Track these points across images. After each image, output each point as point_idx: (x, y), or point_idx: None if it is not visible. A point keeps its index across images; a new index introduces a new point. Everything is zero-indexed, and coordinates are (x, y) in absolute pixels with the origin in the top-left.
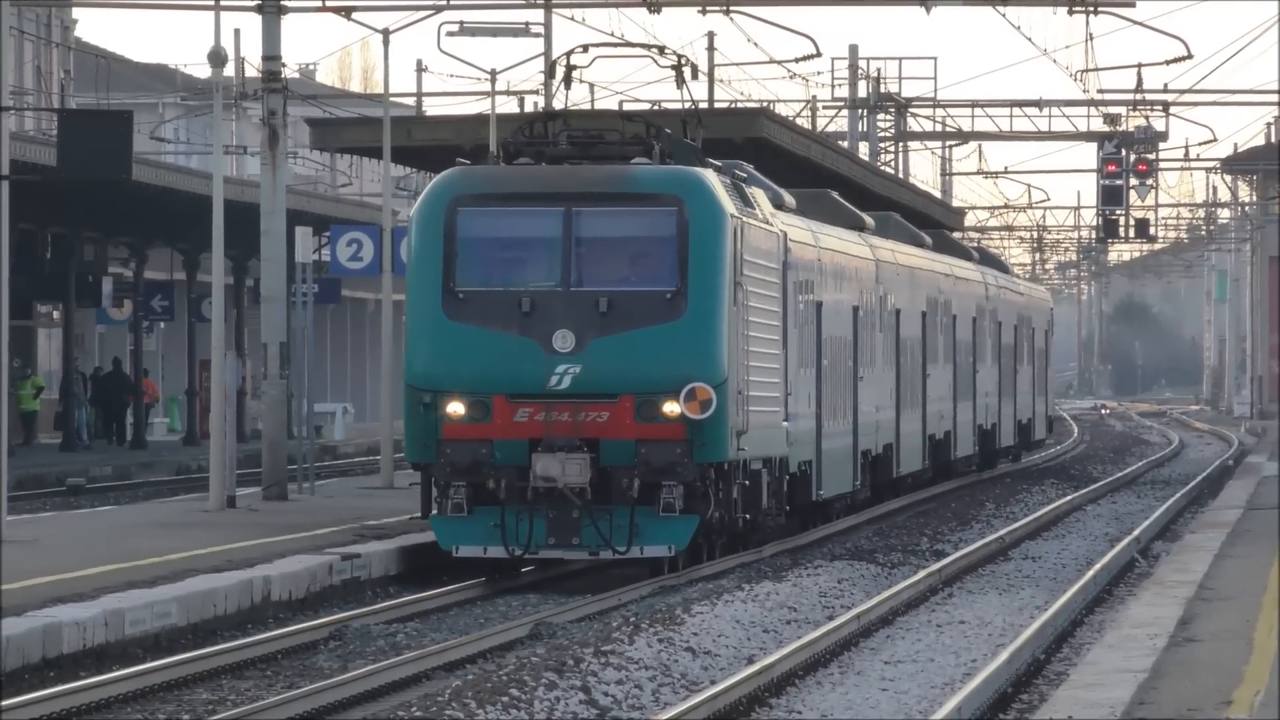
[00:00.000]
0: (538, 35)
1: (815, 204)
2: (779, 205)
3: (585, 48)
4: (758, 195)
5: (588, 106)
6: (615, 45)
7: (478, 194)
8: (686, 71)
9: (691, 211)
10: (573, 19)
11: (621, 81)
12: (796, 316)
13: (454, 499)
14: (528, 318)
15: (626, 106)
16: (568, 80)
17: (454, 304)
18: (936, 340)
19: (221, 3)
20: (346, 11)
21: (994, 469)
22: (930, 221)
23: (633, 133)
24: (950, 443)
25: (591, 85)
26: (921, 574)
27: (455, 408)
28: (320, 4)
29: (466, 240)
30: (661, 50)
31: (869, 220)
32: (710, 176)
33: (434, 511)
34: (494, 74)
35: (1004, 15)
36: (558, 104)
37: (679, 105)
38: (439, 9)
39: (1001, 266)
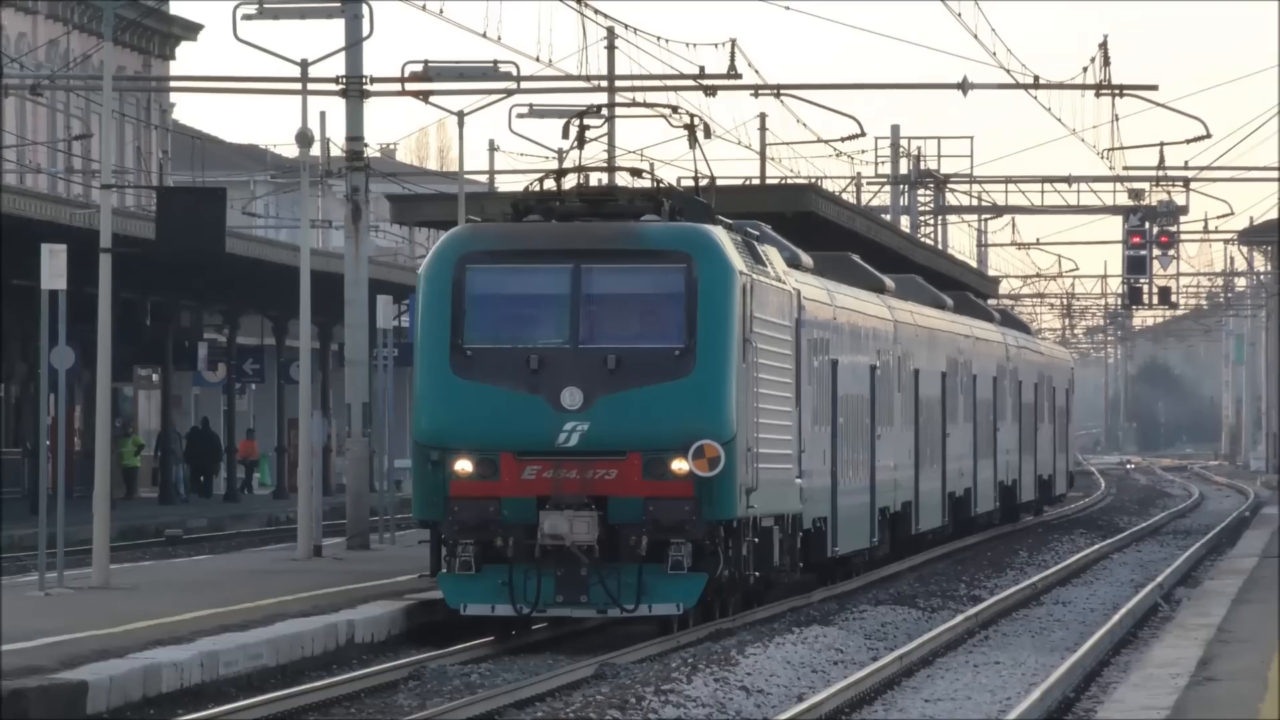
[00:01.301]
0: (602, 116)
1: (836, 266)
2: (795, 264)
3: (598, 108)
4: (770, 253)
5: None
6: (630, 106)
7: (486, 251)
8: (699, 132)
9: (700, 268)
10: (634, 101)
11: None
12: (811, 374)
13: (462, 557)
14: (536, 375)
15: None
16: (581, 140)
17: (462, 361)
18: (956, 399)
19: (308, 87)
20: (424, 95)
21: (1016, 522)
22: (967, 289)
23: (642, 190)
24: (970, 500)
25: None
26: (959, 618)
27: (463, 465)
28: (400, 88)
29: (475, 297)
30: (674, 110)
31: (889, 282)
32: (719, 234)
33: (442, 570)
34: (561, 153)
35: (1035, 98)
36: (570, 164)
37: (738, 179)
38: (509, 93)
39: (1023, 327)
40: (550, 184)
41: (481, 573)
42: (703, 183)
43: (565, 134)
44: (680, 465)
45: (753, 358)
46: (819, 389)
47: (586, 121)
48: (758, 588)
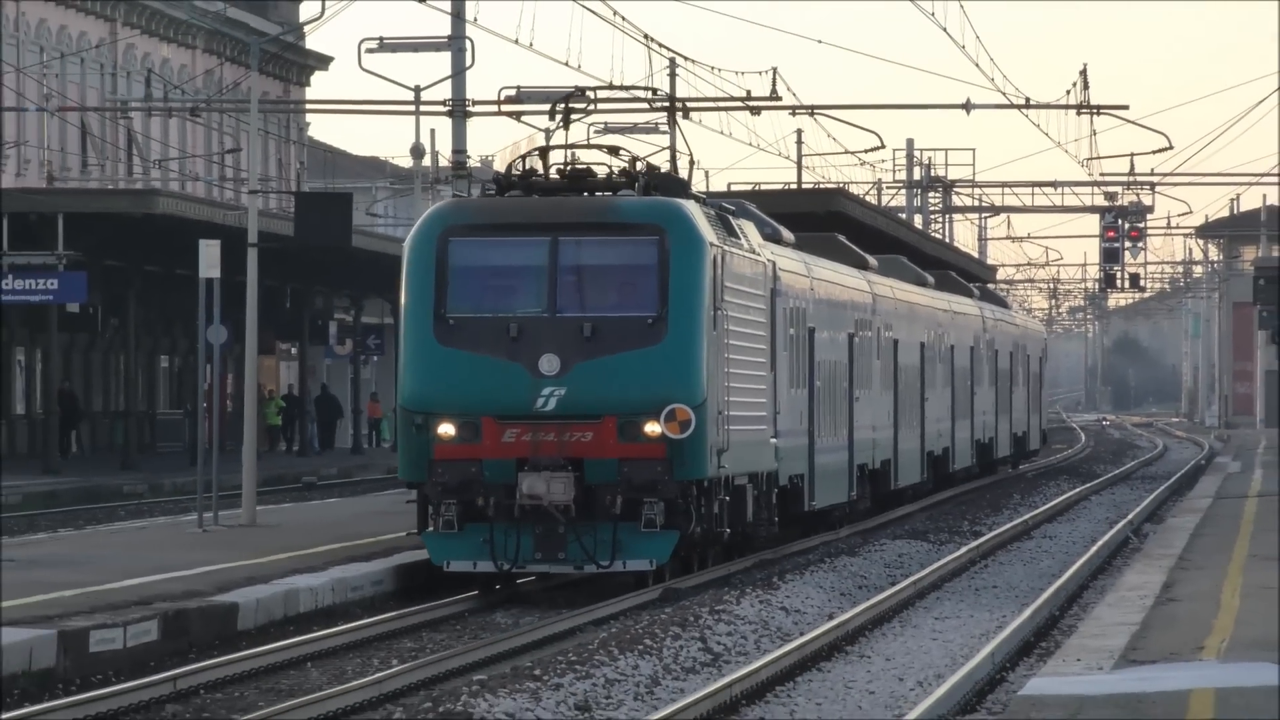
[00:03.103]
0: (664, 133)
1: (823, 245)
2: (776, 239)
3: (582, 90)
4: (746, 227)
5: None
6: (611, 88)
7: (468, 224)
8: (678, 114)
9: (672, 240)
10: (693, 121)
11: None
12: (786, 341)
13: (445, 516)
14: (515, 343)
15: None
16: (566, 121)
17: (445, 330)
18: (935, 366)
19: (421, 109)
20: (517, 115)
21: (994, 475)
22: (969, 275)
23: (620, 167)
24: (949, 457)
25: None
26: (963, 550)
27: (446, 429)
28: (496, 109)
29: (457, 269)
30: (655, 93)
31: (871, 260)
32: (691, 207)
33: (428, 528)
34: (548, 132)
35: (1027, 116)
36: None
37: (776, 185)
38: (587, 113)
39: (1000, 302)
40: (535, 162)
41: (464, 531)
42: (682, 160)
43: (551, 116)
44: (653, 428)
45: (724, 325)
46: (795, 355)
47: (571, 105)
48: (736, 541)
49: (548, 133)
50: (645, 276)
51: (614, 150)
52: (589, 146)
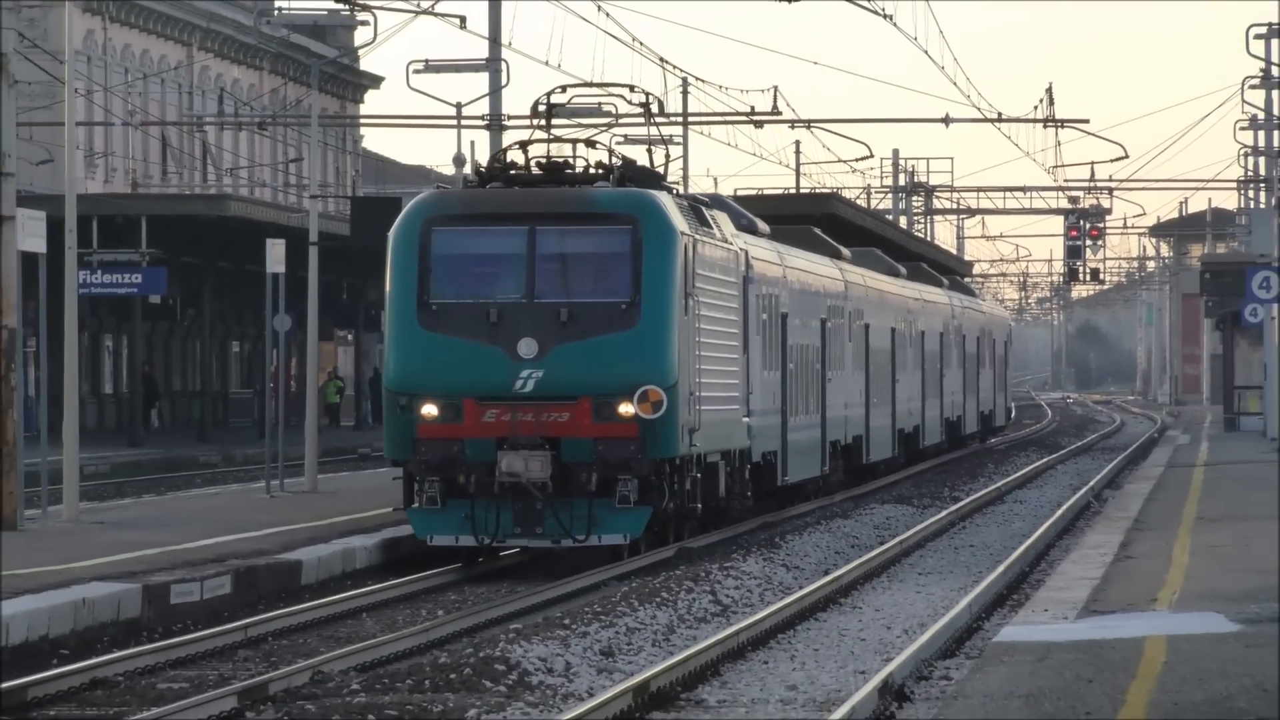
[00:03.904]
0: (678, 144)
1: (800, 237)
2: (751, 230)
3: (564, 88)
4: (719, 218)
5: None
6: (590, 85)
7: (450, 214)
8: (654, 106)
9: (645, 229)
10: (702, 133)
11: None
12: (759, 325)
13: (428, 493)
14: (495, 327)
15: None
16: (548, 116)
17: (428, 315)
18: (906, 349)
19: (462, 123)
20: (547, 128)
21: (963, 449)
22: (948, 270)
23: (596, 159)
24: (920, 434)
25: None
26: (944, 513)
27: (429, 409)
28: (530, 123)
29: (439, 257)
30: (631, 89)
31: (845, 251)
32: (663, 198)
33: (414, 504)
34: (533, 127)
35: (999, 128)
36: (539, 138)
37: (805, 188)
38: (610, 126)
39: (968, 291)
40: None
41: (446, 507)
42: (658, 153)
43: (534, 112)
44: (626, 408)
45: (695, 310)
46: (768, 338)
47: (553, 100)
48: (712, 514)
49: (532, 128)
50: (619, 264)
51: (591, 144)
52: (568, 141)
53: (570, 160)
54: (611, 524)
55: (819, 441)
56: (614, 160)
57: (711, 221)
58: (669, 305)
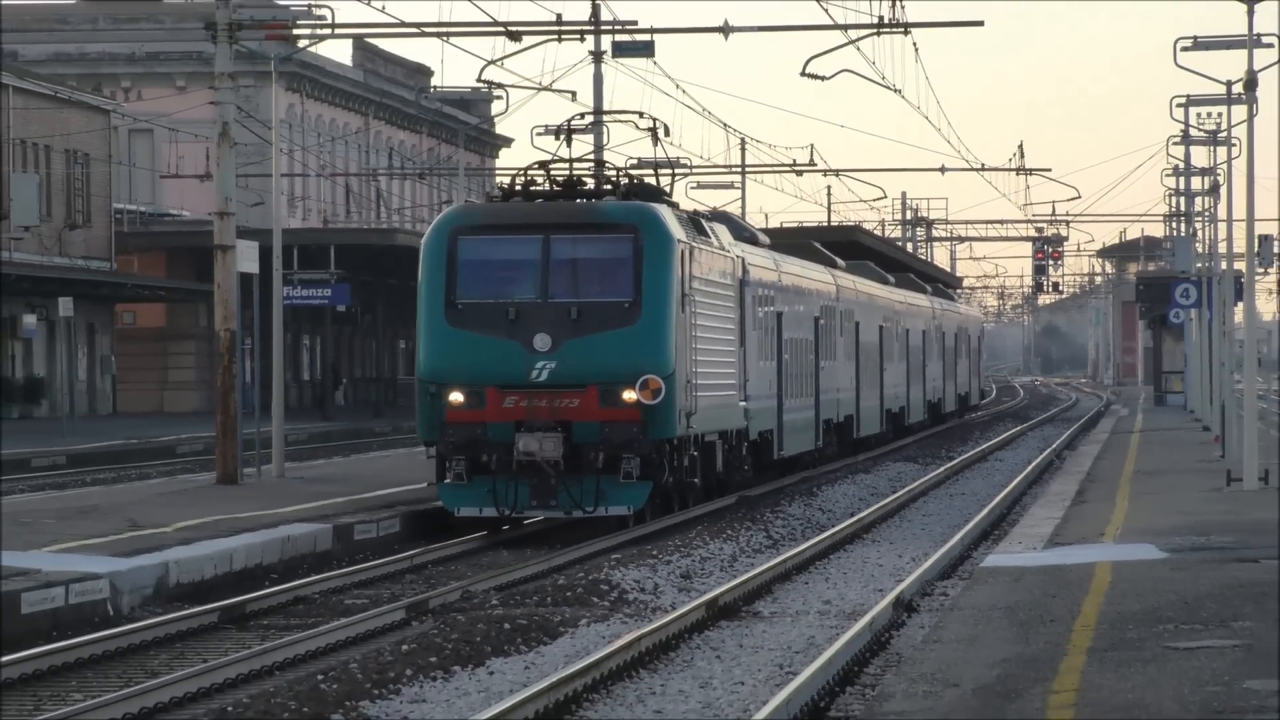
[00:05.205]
0: (737, 188)
1: (799, 249)
2: (753, 241)
3: (582, 115)
4: (718, 229)
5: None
6: (607, 113)
7: (474, 225)
8: (660, 132)
9: (645, 237)
10: (756, 180)
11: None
12: (755, 322)
13: (455, 470)
14: (513, 324)
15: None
16: (569, 139)
17: (454, 313)
18: (892, 343)
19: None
20: (636, 178)
21: (943, 425)
22: (943, 282)
23: (606, 177)
24: (905, 413)
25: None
26: (941, 469)
27: (456, 396)
28: (627, 174)
29: (465, 262)
30: (641, 115)
31: (840, 262)
32: (663, 210)
33: (445, 480)
34: (618, 173)
35: (983, 176)
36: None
37: (828, 221)
38: (685, 175)
39: (948, 296)
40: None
41: (471, 483)
42: (664, 172)
43: (556, 136)
44: (629, 395)
45: (692, 308)
46: (763, 333)
47: (572, 125)
48: (712, 485)
49: (555, 152)
50: (622, 267)
51: (601, 164)
52: (582, 160)
53: (582, 178)
54: (617, 497)
55: (813, 421)
56: (620, 177)
57: (710, 231)
58: (667, 303)
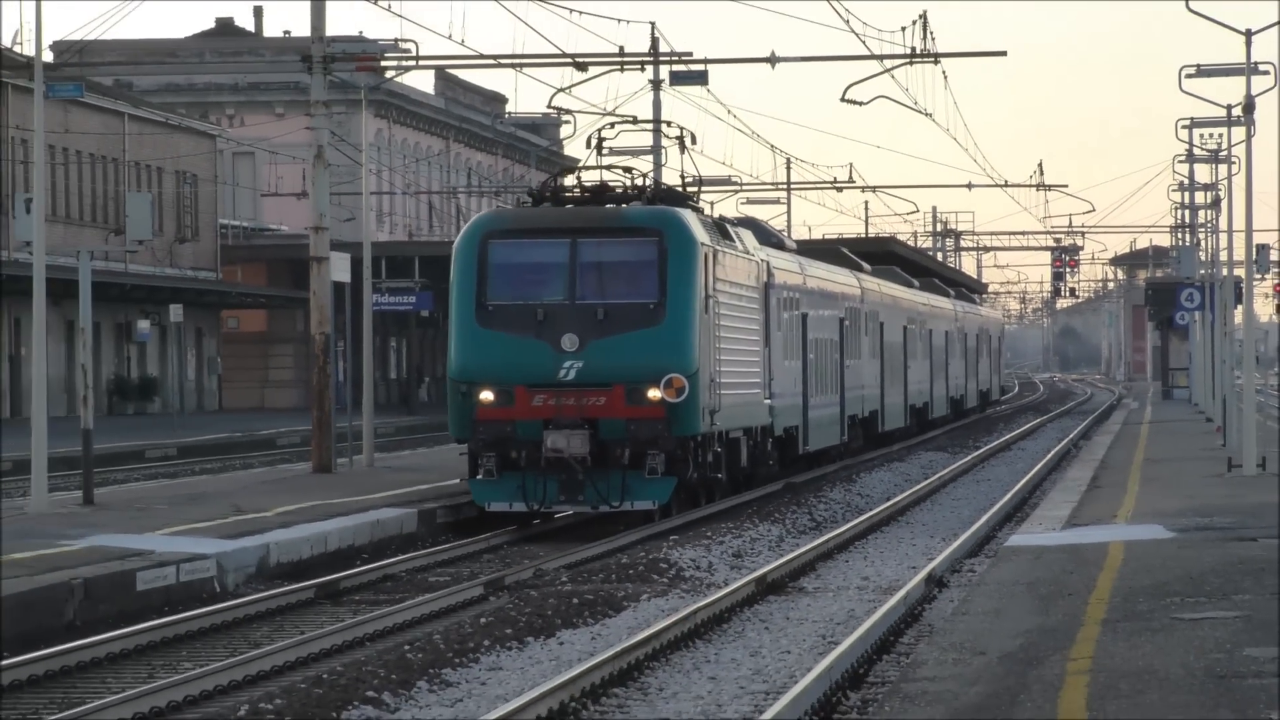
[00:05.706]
0: (782, 204)
1: (827, 254)
2: (780, 246)
3: (613, 125)
4: (743, 234)
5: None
6: (635, 122)
7: (505, 229)
8: (687, 140)
9: (669, 241)
10: (801, 196)
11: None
12: (780, 323)
13: (486, 466)
14: (542, 324)
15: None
16: (599, 148)
17: (485, 315)
18: (916, 343)
19: None
20: (697, 195)
21: (965, 419)
22: (966, 287)
23: (633, 183)
24: (929, 408)
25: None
26: (969, 457)
27: (486, 395)
28: (683, 190)
29: (495, 265)
30: (669, 124)
31: (866, 266)
32: (687, 215)
33: (477, 475)
34: (643, 179)
35: (1006, 191)
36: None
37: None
38: (736, 192)
39: (970, 300)
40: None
41: (501, 478)
42: (689, 179)
43: (588, 144)
44: (654, 393)
45: (715, 309)
46: (789, 333)
47: (603, 135)
48: (739, 480)
49: (586, 159)
50: (647, 270)
51: (629, 170)
52: (610, 168)
53: (610, 184)
54: (642, 492)
55: (838, 416)
56: (646, 183)
57: (734, 236)
58: (690, 305)
